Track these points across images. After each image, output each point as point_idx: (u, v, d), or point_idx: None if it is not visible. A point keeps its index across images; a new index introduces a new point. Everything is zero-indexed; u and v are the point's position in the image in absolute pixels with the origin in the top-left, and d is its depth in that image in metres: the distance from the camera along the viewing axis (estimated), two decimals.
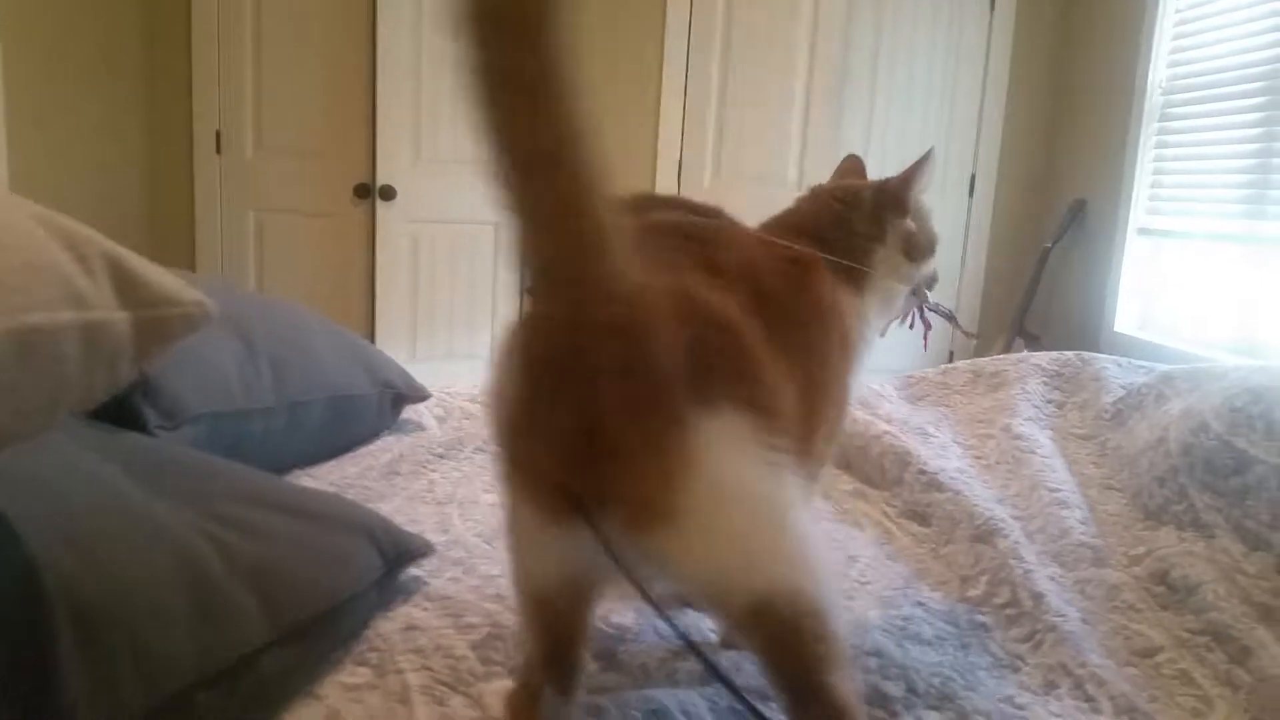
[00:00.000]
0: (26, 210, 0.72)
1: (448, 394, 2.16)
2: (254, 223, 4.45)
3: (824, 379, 0.97)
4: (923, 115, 4.37)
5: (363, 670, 1.01)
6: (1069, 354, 1.97)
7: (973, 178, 4.43)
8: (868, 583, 1.29)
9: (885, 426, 1.69)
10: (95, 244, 0.74)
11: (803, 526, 0.79)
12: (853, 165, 1.28)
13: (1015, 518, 1.49)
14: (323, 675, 0.99)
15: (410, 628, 1.11)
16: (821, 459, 1.05)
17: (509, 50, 0.61)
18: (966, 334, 1.27)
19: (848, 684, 0.77)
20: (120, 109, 4.08)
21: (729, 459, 0.74)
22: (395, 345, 4.19)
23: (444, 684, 1.01)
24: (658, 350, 0.71)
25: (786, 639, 0.75)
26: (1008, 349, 4.19)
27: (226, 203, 4.45)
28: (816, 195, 1.16)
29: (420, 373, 1.99)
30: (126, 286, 0.75)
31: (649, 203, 0.97)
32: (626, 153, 4.35)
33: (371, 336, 4.18)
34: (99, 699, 0.72)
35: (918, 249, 1.14)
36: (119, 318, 0.73)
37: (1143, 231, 3.83)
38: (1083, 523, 1.43)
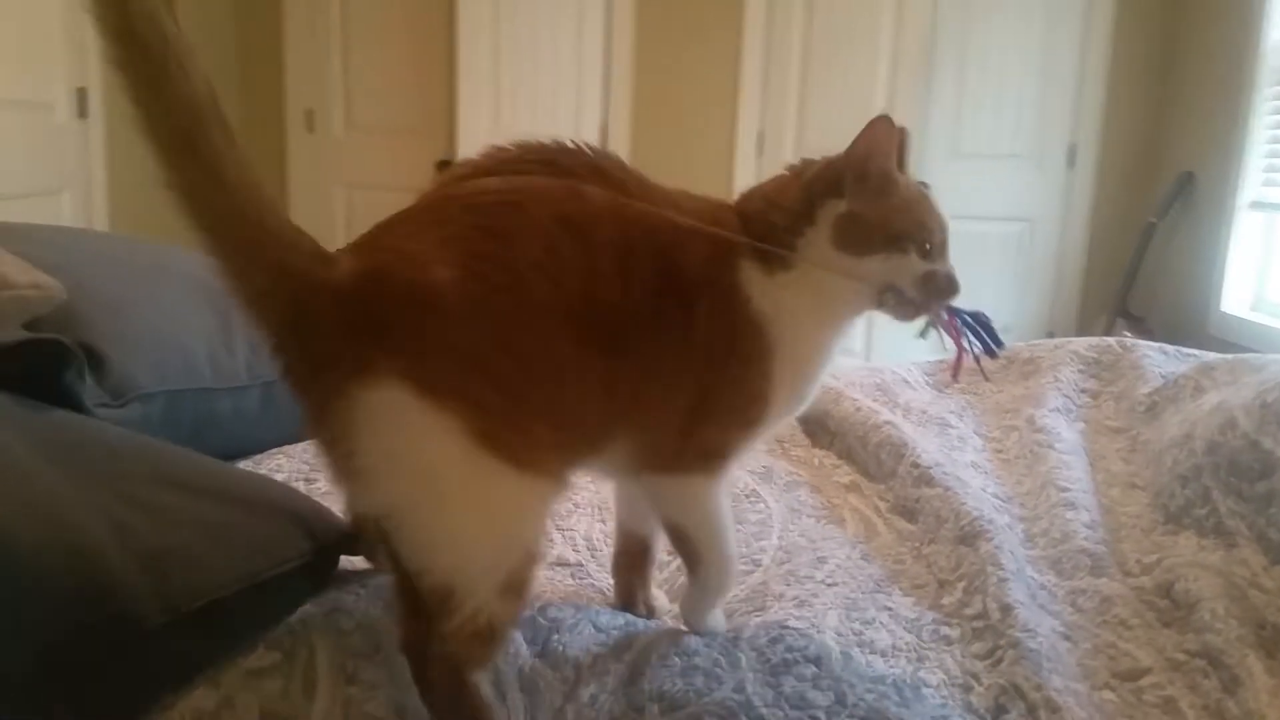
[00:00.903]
0: None
1: None
2: (343, 199, 4.56)
3: (705, 364, 0.93)
4: (1019, 80, 4.13)
5: (272, 654, 0.98)
6: (1109, 340, 1.82)
7: (1072, 148, 4.17)
8: (835, 585, 1.21)
9: (888, 416, 1.59)
10: None
11: (459, 513, 0.84)
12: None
13: (1020, 518, 1.38)
14: (229, 661, 0.97)
15: (334, 610, 1.08)
16: (714, 449, 0.99)
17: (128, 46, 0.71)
18: (982, 370, 1.11)
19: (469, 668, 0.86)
20: (216, 89, 4.21)
21: (386, 431, 0.79)
22: None
23: (359, 656, 0.97)
24: (317, 317, 0.79)
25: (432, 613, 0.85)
26: (1109, 330, 3.95)
27: (317, 179, 4.56)
28: (791, 167, 1.07)
29: None
30: None
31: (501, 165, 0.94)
32: (705, 125, 4.26)
33: None
34: None
35: (850, 237, 0.95)
36: None
37: (1256, 205, 3.55)
38: (1089, 526, 1.31)
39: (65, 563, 0.85)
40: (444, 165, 4.14)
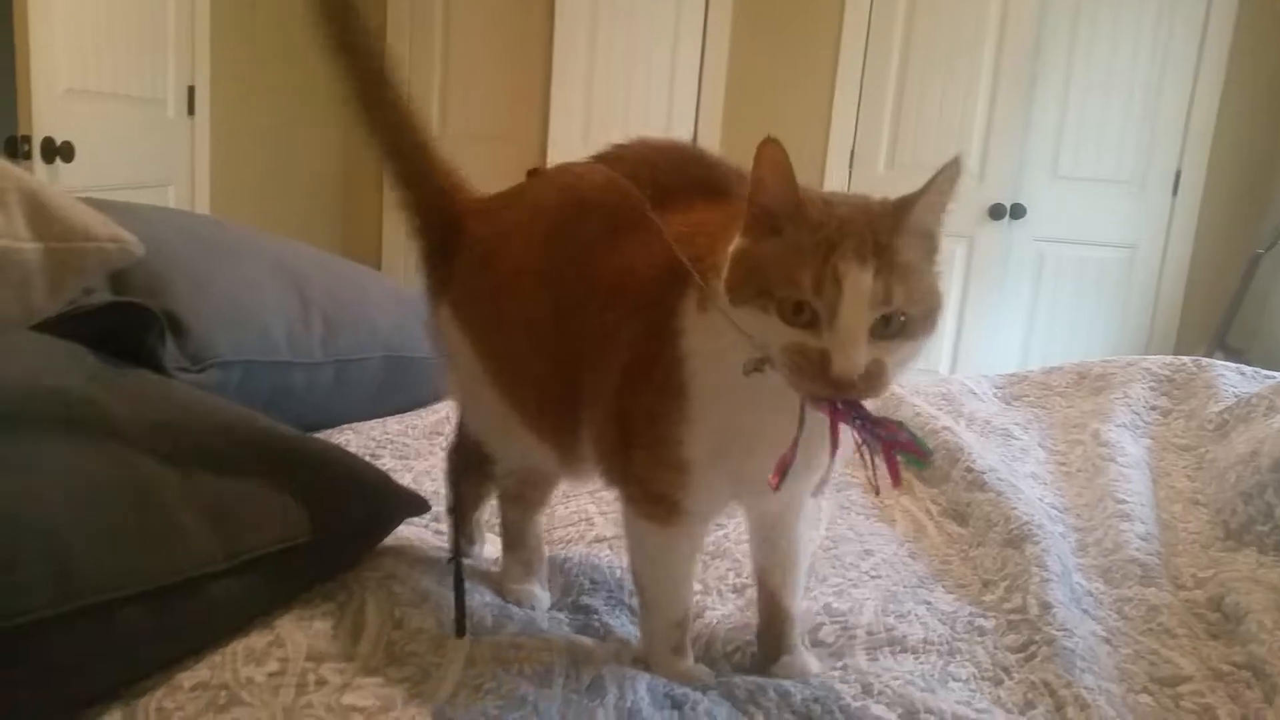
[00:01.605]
0: None
1: None
2: None
3: (624, 381, 0.91)
4: (1124, 100, 4.00)
5: (325, 604, 1.03)
6: (1185, 359, 1.78)
7: (1178, 174, 4.04)
8: (878, 577, 1.22)
9: (946, 422, 1.59)
10: (12, 180, 0.80)
11: (480, 421, 1.15)
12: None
13: (1074, 529, 1.37)
14: (284, 610, 1.03)
15: (389, 576, 1.12)
16: (654, 489, 0.92)
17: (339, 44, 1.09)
18: (875, 488, 0.83)
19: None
20: (319, 99, 4.39)
21: (450, 335, 1.10)
22: None
23: (408, 605, 1.02)
24: (430, 242, 1.12)
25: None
26: None
27: None
28: None
29: None
30: (40, 220, 0.80)
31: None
32: (796, 141, 4.23)
33: None
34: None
35: (730, 280, 0.78)
36: (29, 248, 0.79)
37: None
38: (1142, 538, 1.29)
39: (130, 508, 0.92)
40: (534, 173, 4.24)
